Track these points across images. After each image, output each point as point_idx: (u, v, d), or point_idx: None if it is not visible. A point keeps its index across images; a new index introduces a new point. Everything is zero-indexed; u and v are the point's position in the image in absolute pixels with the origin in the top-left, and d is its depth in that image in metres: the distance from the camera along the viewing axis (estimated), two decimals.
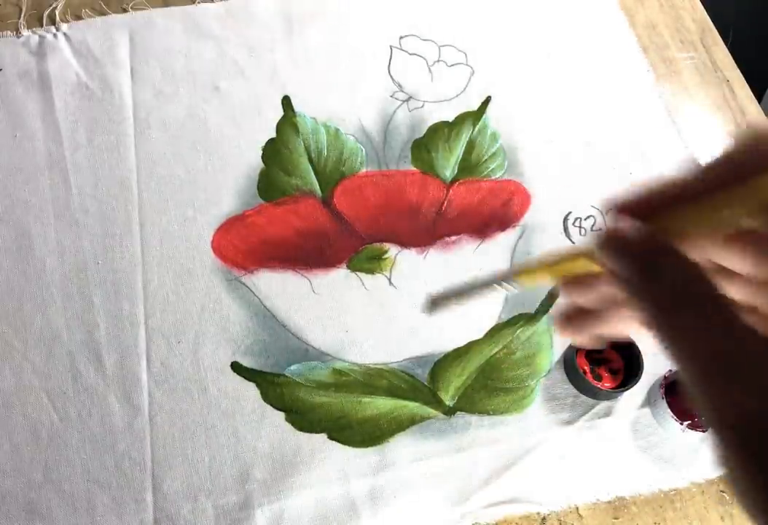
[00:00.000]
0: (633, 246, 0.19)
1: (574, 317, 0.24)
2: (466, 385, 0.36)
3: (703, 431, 0.33)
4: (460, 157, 0.41)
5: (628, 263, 0.19)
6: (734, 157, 0.19)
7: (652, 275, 0.19)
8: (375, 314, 0.37)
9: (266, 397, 0.35)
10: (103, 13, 0.43)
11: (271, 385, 0.35)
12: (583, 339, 0.24)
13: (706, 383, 0.17)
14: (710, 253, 0.21)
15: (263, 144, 0.40)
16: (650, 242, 0.19)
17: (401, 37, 0.44)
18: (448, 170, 0.40)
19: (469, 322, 0.37)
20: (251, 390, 0.35)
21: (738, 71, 0.46)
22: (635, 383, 0.34)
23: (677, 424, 0.33)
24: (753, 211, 0.18)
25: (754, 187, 0.17)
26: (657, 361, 0.35)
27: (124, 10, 0.43)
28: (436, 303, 0.29)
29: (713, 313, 0.18)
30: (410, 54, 0.43)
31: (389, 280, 0.38)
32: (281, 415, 0.34)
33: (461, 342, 0.37)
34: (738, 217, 0.18)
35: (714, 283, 0.18)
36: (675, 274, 0.19)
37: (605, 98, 0.44)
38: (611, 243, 0.20)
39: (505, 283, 0.26)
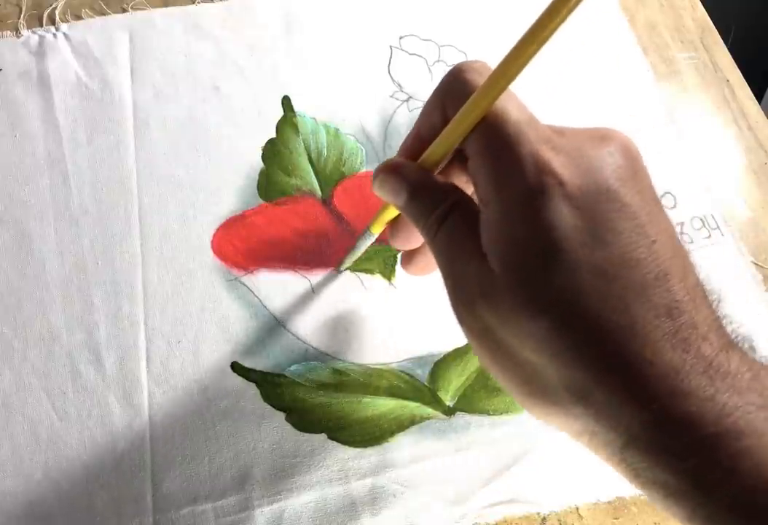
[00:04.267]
0: (396, 178, 0.23)
1: (408, 256, 0.29)
2: (466, 385, 0.36)
3: None
4: None
5: (396, 191, 0.23)
6: (441, 92, 0.23)
7: (413, 196, 0.23)
8: (375, 314, 0.37)
9: (266, 397, 0.35)
10: (103, 13, 0.43)
11: (271, 385, 0.35)
12: (423, 272, 0.29)
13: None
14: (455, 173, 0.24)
15: (263, 144, 0.40)
16: (406, 172, 0.23)
17: (401, 37, 0.44)
18: None
19: None
20: (251, 390, 0.35)
21: (738, 71, 0.45)
22: None
23: None
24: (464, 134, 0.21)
25: (463, 112, 0.21)
26: None
27: (124, 10, 0.43)
28: (343, 264, 0.37)
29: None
30: (410, 54, 0.43)
31: (389, 280, 0.38)
32: (281, 415, 0.34)
33: (461, 342, 0.37)
34: (458, 141, 0.21)
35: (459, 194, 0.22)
36: (430, 193, 0.22)
37: (605, 98, 0.43)
38: (382, 179, 0.24)
39: (366, 233, 0.32)
